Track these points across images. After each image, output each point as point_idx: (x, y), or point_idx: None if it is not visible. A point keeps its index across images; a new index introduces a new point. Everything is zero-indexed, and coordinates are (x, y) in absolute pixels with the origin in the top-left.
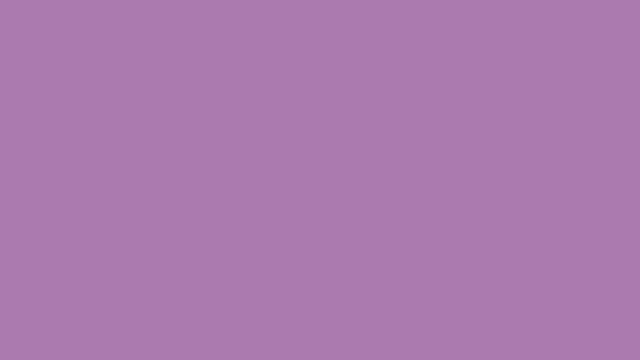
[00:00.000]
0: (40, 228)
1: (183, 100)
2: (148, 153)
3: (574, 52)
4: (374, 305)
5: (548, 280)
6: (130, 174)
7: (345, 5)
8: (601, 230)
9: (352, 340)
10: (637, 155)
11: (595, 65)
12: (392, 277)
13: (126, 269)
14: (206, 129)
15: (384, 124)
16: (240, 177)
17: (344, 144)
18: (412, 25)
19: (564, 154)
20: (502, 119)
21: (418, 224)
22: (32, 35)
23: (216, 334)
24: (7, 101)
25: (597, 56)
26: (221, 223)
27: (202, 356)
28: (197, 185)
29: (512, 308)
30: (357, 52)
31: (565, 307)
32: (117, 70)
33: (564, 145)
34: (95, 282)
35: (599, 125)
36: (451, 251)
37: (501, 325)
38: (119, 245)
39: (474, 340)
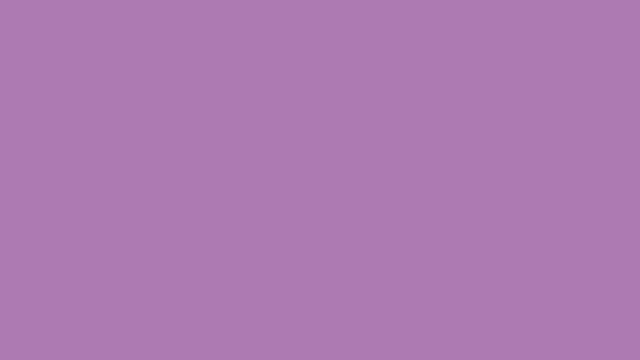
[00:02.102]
0: (40, 228)
1: (183, 100)
2: (148, 153)
3: (574, 52)
4: (374, 305)
5: (548, 281)
6: (131, 174)
7: (345, 5)
8: (601, 230)
9: (352, 340)
10: (637, 155)
11: (595, 65)
12: (392, 277)
13: (126, 269)
14: (206, 129)
15: (384, 124)
16: (240, 177)
17: (344, 144)
18: (412, 25)
19: (564, 154)
20: (502, 119)
21: (418, 224)
22: (32, 35)
23: (216, 334)
24: (7, 101)
25: (597, 56)
26: (221, 223)
27: (202, 356)
28: (197, 185)
29: (512, 308)
30: (357, 52)
31: (566, 307)
32: (117, 70)
33: (564, 145)
34: (95, 282)
35: (599, 125)
36: (451, 251)
37: (501, 325)
38: (119, 245)
39: (474, 340)
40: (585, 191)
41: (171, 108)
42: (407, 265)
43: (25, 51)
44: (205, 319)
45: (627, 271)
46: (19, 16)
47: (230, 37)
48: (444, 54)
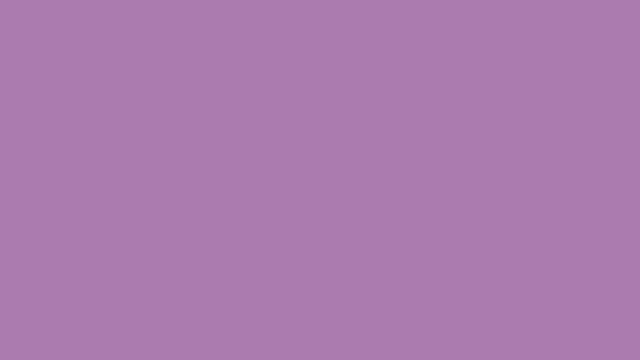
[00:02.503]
0: (40, 228)
1: (183, 100)
2: (148, 153)
3: (574, 52)
4: (374, 305)
5: (548, 281)
6: (130, 174)
7: (345, 5)
8: (601, 230)
9: (352, 340)
10: (637, 155)
11: (595, 65)
12: (392, 277)
13: (126, 269)
14: (206, 129)
15: (384, 124)
16: (240, 177)
17: (344, 144)
18: (412, 25)
19: (564, 154)
20: (502, 119)
21: (418, 224)
22: (32, 35)
23: (216, 334)
24: (7, 101)
25: (597, 56)
26: (221, 223)
27: (202, 356)
28: (197, 185)
29: (512, 308)
30: (357, 52)
31: (566, 307)
32: (117, 70)
33: (564, 145)
34: (95, 282)
35: (599, 125)
36: (451, 251)
37: (501, 325)
38: (119, 245)
39: (474, 340)
40: (585, 191)
41: (171, 108)
42: (407, 265)
43: (25, 51)
44: (205, 319)
45: (627, 271)
46: (19, 16)
47: (230, 37)
48: (444, 54)
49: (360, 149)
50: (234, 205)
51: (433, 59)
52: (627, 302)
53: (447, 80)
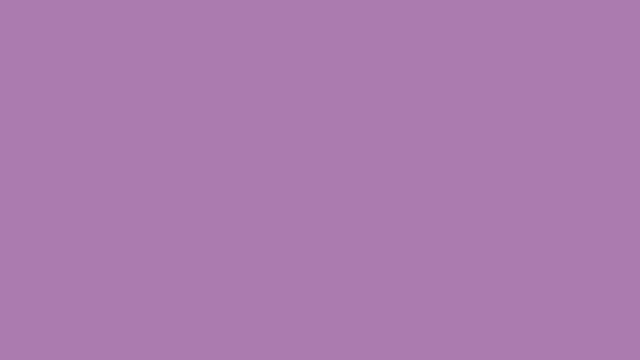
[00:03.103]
0: (40, 228)
1: (183, 100)
2: (148, 153)
3: (574, 52)
4: (374, 305)
5: (548, 280)
6: (130, 174)
7: (345, 5)
8: (601, 230)
9: (352, 340)
10: (637, 155)
11: (595, 65)
12: (392, 277)
13: (126, 269)
14: (206, 129)
15: (384, 124)
16: (240, 177)
17: (344, 144)
18: (412, 25)
19: (564, 154)
20: (502, 119)
21: (418, 224)
22: (32, 35)
23: (216, 334)
24: (7, 101)
25: (597, 56)
26: (221, 223)
27: (202, 356)
28: (197, 185)
29: (512, 308)
30: (357, 52)
31: (566, 307)
32: (117, 70)
33: (564, 145)
34: (95, 282)
35: (599, 125)
36: (451, 251)
37: (501, 325)
38: (119, 245)
39: (474, 340)
40: (585, 191)
41: (171, 108)
42: (407, 265)
43: (26, 51)
44: (205, 319)
45: (627, 271)
46: (19, 16)
47: (230, 37)
48: (444, 54)
49: (360, 149)
50: (234, 205)
51: (433, 59)
52: (627, 302)
53: (447, 80)
